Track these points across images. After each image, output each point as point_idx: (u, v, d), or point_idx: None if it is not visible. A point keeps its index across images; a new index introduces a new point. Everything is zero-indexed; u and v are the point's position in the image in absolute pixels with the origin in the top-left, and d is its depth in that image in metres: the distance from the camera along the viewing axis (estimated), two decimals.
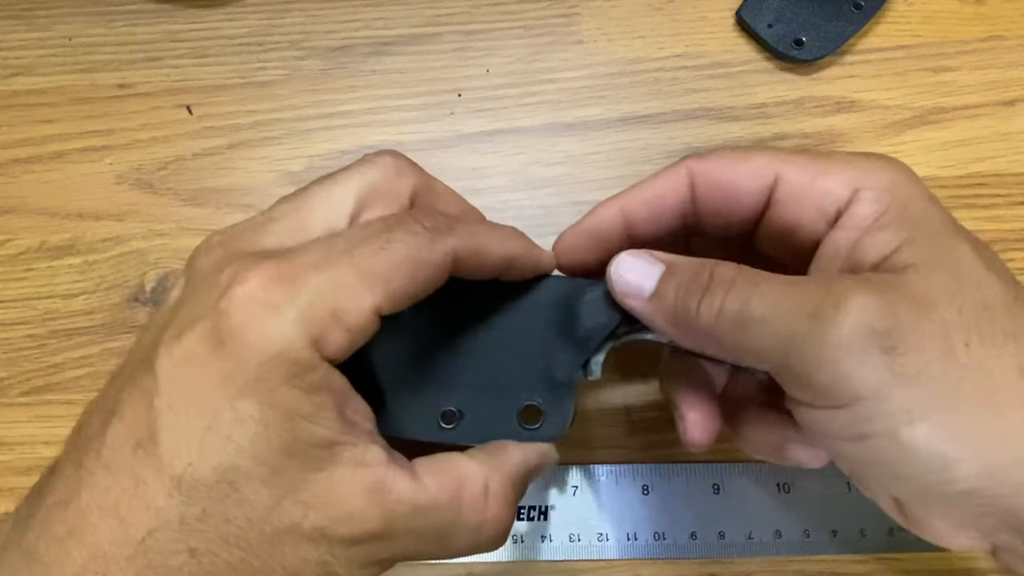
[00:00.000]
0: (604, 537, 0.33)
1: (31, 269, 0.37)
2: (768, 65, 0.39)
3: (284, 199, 0.24)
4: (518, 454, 0.24)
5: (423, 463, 0.22)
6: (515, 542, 0.33)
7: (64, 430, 0.35)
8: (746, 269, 0.22)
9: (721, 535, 0.33)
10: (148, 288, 0.37)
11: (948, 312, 0.21)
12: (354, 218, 0.23)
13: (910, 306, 0.20)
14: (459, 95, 0.39)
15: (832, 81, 0.39)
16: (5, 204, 0.38)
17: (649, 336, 0.25)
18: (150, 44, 0.39)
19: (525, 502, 0.34)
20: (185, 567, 0.19)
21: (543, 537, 0.33)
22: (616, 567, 0.33)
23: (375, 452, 0.21)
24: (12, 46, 0.40)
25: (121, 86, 0.39)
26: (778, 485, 0.34)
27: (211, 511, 0.19)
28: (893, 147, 0.38)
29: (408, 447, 0.23)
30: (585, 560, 0.33)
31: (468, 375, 0.25)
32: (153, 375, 0.20)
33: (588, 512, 0.34)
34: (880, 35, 0.40)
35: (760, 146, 0.24)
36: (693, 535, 0.33)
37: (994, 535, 0.22)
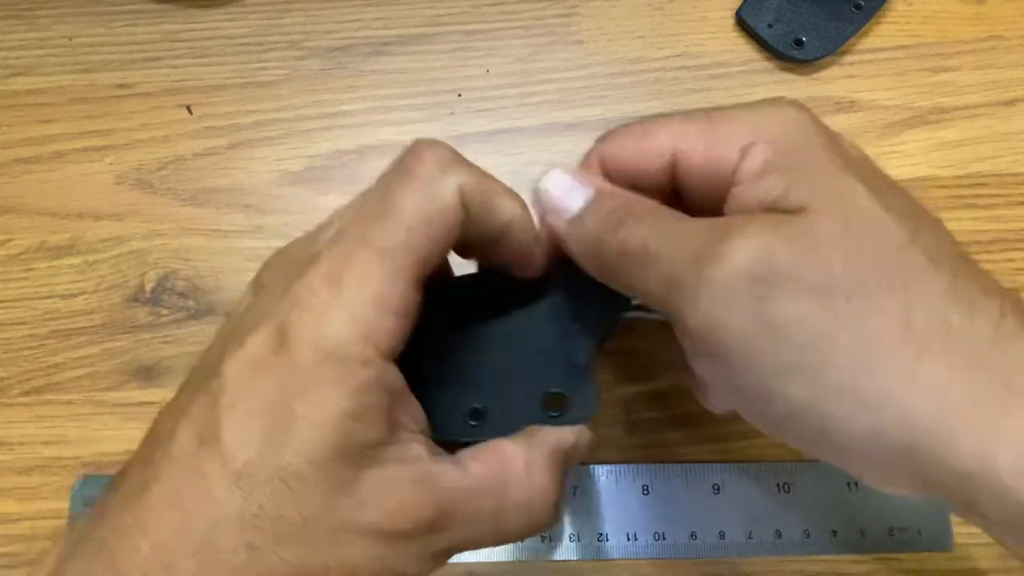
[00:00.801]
0: (604, 537, 0.33)
1: (31, 269, 0.37)
2: (768, 65, 0.39)
3: (340, 208, 0.24)
4: (553, 433, 0.24)
5: (464, 452, 0.23)
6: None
7: (64, 430, 0.35)
8: (663, 207, 0.23)
9: (721, 535, 0.33)
10: (148, 288, 0.37)
11: (833, 259, 0.19)
12: None
13: (792, 251, 0.19)
14: (459, 95, 0.39)
15: (832, 81, 0.39)
16: (5, 204, 0.38)
17: (637, 314, 0.26)
18: (150, 44, 0.39)
19: None
20: (246, 564, 0.19)
21: (543, 537, 0.33)
22: (616, 567, 0.33)
23: (416, 448, 0.22)
24: (12, 46, 0.40)
25: (121, 86, 0.39)
26: (778, 485, 0.34)
27: (267, 508, 0.19)
28: (893, 147, 0.38)
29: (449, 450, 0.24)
30: (585, 560, 0.33)
31: (491, 372, 0.26)
32: (219, 377, 0.20)
33: (588, 512, 0.34)
34: (880, 35, 0.40)
35: (663, 116, 0.24)
36: (693, 535, 0.33)
37: (913, 488, 0.21)
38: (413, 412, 0.22)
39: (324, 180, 0.38)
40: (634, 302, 0.26)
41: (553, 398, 0.25)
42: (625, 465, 0.34)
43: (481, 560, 0.33)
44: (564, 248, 0.24)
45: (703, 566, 0.33)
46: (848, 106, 0.39)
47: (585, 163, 0.26)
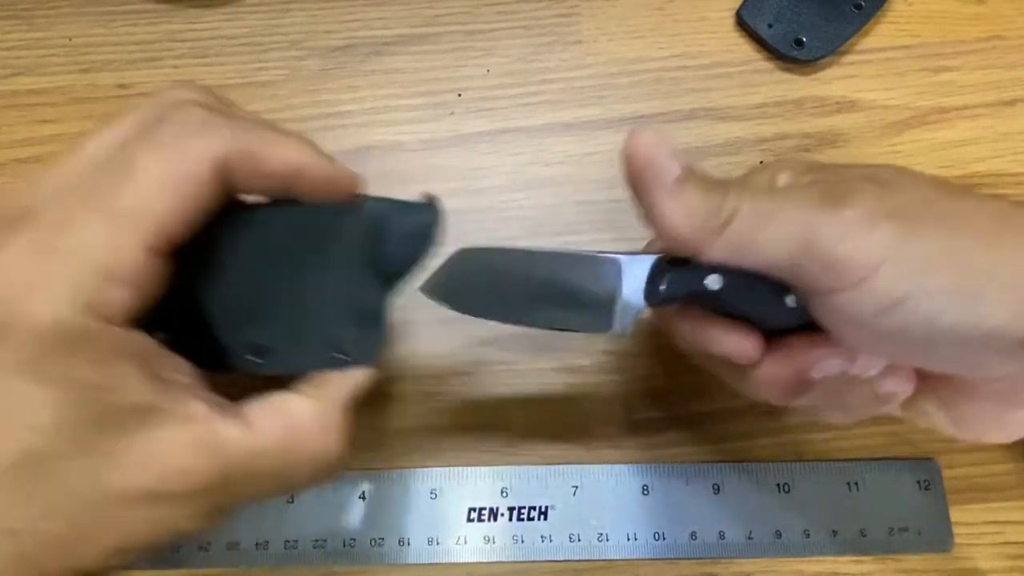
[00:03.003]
0: (604, 537, 0.33)
1: None
2: (768, 65, 0.39)
3: (62, 151, 0.22)
4: (343, 382, 0.24)
5: (252, 407, 0.22)
6: (515, 542, 0.33)
7: None
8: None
9: (721, 535, 0.33)
10: None
11: (916, 189, 0.23)
12: None
13: (888, 188, 0.23)
14: (459, 95, 0.39)
15: (832, 81, 0.39)
16: None
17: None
18: (150, 44, 0.39)
19: (525, 502, 0.34)
20: (4, 547, 0.19)
21: (543, 537, 0.33)
22: (616, 567, 0.33)
23: (198, 407, 0.21)
24: (12, 46, 0.40)
25: (121, 86, 0.39)
26: (778, 485, 0.34)
27: (29, 493, 0.19)
28: (893, 147, 0.38)
29: (230, 382, 0.23)
30: (585, 560, 0.33)
31: (278, 307, 0.24)
32: None
33: (588, 512, 0.34)
34: (880, 35, 0.40)
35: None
36: (693, 535, 0.33)
37: None
38: (179, 366, 0.21)
39: None
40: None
41: (342, 340, 0.24)
42: (625, 465, 0.34)
43: (481, 560, 0.33)
44: (649, 205, 0.24)
45: (703, 566, 0.33)
46: (848, 106, 0.39)
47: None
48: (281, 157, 0.21)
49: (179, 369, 0.21)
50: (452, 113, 0.39)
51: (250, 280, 0.24)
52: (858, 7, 0.39)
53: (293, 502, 0.33)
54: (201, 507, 0.21)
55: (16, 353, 0.18)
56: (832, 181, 0.24)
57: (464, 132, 0.38)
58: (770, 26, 0.39)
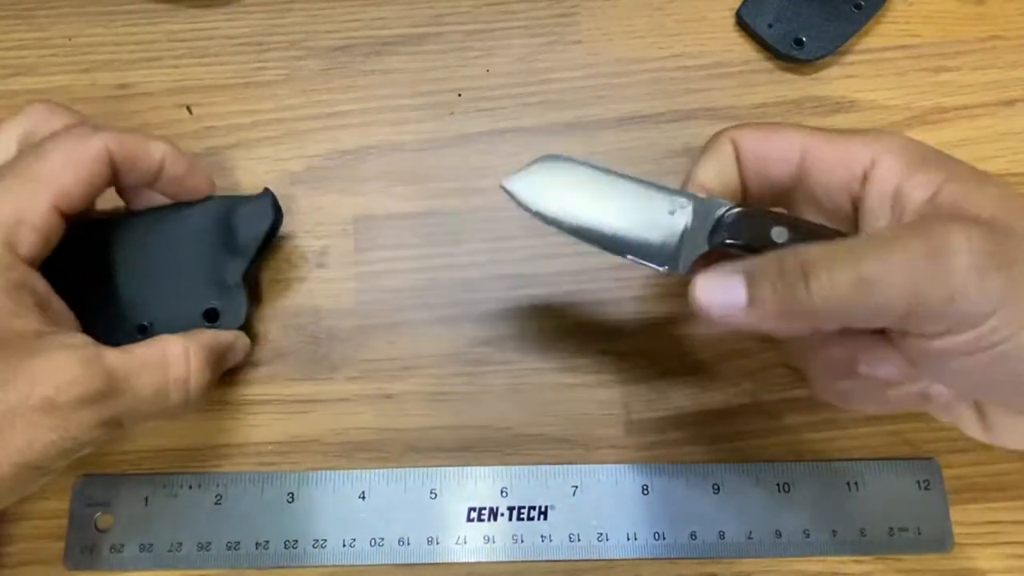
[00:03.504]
0: (604, 537, 0.33)
1: None
2: (768, 65, 0.39)
3: None
4: (210, 332, 0.31)
5: (128, 345, 0.27)
6: (515, 542, 0.33)
7: None
8: (821, 244, 0.23)
9: (721, 535, 0.33)
10: None
11: (1020, 221, 0.23)
12: None
13: (997, 229, 0.22)
14: (459, 95, 0.39)
15: (832, 81, 0.39)
16: None
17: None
18: (150, 44, 0.39)
19: (525, 502, 0.34)
20: None
21: (543, 537, 0.33)
22: (616, 567, 0.33)
23: (81, 336, 0.27)
24: (12, 46, 0.40)
25: (121, 86, 0.39)
26: (778, 485, 0.34)
27: None
28: None
29: None
30: (585, 560, 0.33)
31: (156, 292, 0.32)
32: None
33: (588, 512, 0.34)
34: (880, 35, 0.40)
35: (786, 123, 0.27)
36: (693, 535, 0.33)
37: None
38: (65, 314, 0.28)
39: (324, 180, 0.38)
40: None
41: (210, 312, 0.32)
42: (625, 465, 0.34)
43: (481, 560, 0.33)
44: (753, 331, 0.24)
45: (703, 566, 0.33)
46: (848, 106, 0.39)
47: (720, 144, 0.28)
48: (150, 152, 0.30)
49: (64, 314, 0.28)
50: (452, 113, 0.39)
51: (134, 272, 0.32)
52: (858, 7, 0.39)
53: (293, 502, 0.34)
54: (92, 416, 0.25)
55: None
56: (931, 220, 0.23)
57: (464, 132, 0.38)
58: (770, 26, 0.39)
